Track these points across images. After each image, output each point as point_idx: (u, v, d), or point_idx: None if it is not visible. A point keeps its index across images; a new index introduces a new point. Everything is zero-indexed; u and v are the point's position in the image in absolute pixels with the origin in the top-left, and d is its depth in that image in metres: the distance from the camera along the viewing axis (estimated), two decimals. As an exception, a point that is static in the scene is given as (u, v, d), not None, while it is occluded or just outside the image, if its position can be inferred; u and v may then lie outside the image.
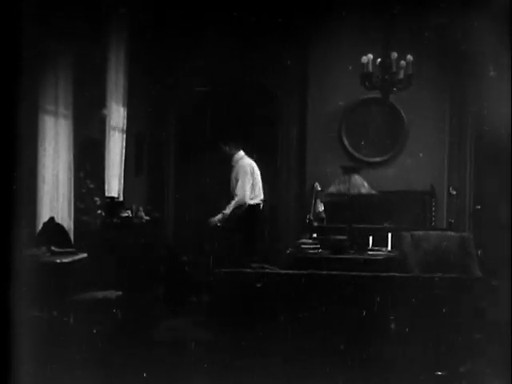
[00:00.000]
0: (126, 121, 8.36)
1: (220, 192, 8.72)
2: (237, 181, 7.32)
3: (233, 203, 7.30)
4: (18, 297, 4.57)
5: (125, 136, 8.31)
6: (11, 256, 4.51)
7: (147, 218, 7.52)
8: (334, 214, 8.25)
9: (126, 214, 7.44)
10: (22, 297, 4.62)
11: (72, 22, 6.82)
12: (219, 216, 7.37)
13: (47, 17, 5.87)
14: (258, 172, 7.47)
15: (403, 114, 8.80)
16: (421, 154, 8.73)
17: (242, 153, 7.47)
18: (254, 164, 7.49)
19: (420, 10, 7.82)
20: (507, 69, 5.51)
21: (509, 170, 5.61)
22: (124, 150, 8.28)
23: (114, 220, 7.39)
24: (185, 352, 5.99)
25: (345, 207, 7.72)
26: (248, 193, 7.31)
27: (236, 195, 7.30)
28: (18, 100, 4.62)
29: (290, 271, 5.90)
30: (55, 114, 7.12)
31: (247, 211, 7.34)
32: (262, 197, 7.48)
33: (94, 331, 5.69)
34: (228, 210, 7.31)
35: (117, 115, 8.22)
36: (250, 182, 7.34)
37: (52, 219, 6.75)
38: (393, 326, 5.12)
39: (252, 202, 7.39)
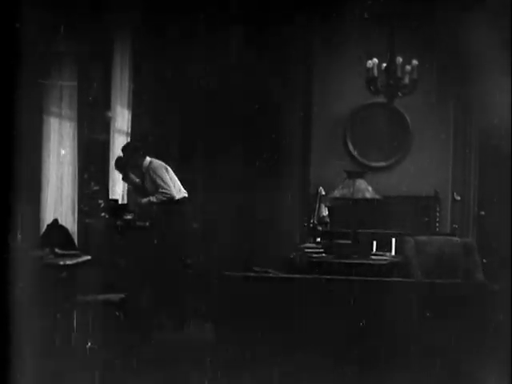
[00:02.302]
0: (130, 123, 8.37)
1: (224, 193, 8.74)
2: (155, 182, 7.34)
3: (160, 195, 7.31)
4: (21, 298, 4.57)
5: (129, 138, 8.31)
6: (14, 257, 4.51)
7: (150, 221, 7.51)
8: (338, 218, 8.24)
9: (130, 217, 7.44)
10: (24, 298, 4.62)
11: (76, 23, 6.83)
12: (146, 199, 7.39)
13: (51, 18, 5.88)
14: (170, 170, 7.50)
15: (408, 119, 8.80)
16: (425, 159, 8.73)
17: (148, 158, 7.49)
18: (164, 164, 7.52)
19: (425, 14, 7.82)
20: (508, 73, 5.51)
21: (509, 174, 5.61)
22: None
23: (118, 222, 7.39)
24: (187, 355, 5.99)
25: (349, 212, 7.71)
26: (173, 188, 7.35)
27: (161, 191, 7.31)
28: (22, 102, 4.63)
29: (294, 275, 5.90)
30: (59, 116, 7.12)
31: (173, 206, 7.37)
32: (184, 192, 7.50)
33: (97, 333, 5.69)
34: (155, 199, 7.32)
35: (121, 118, 8.23)
36: (168, 178, 7.39)
37: (56, 221, 6.75)
38: (396, 330, 5.11)
39: (177, 197, 7.42)
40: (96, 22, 7.16)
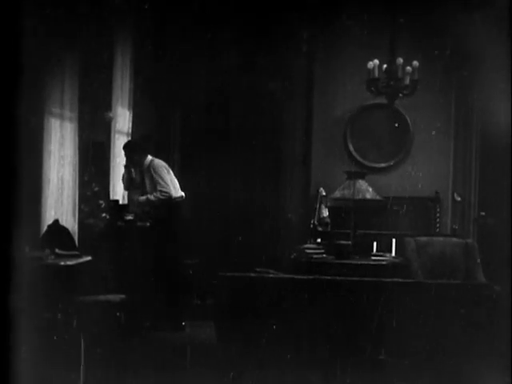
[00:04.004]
0: (131, 124, 8.37)
1: (225, 194, 8.75)
2: (154, 181, 7.35)
3: (158, 193, 7.32)
4: (22, 299, 4.57)
5: (130, 139, 8.31)
6: (15, 258, 4.51)
7: (151, 220, 7.51)
8: (339, 219, 8.25)
9: (130, 217, 7.44)
10: (25, 299, 4.62)
11: (78, 24, 6.84)
12: (143, 197, 7.41)
13: (53, 19, 5.89)
14: (171, 170, 7.52)
15: (408, 120, 8.80)
16: (426, 160, 8.74)
17: (149, 157, 7.51)
18: (165, 163, 7.53)
19: (425, 15, 7.82)
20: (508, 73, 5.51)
21: (509, 174, 5.61)
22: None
23: (119, 223, 7.39)
24: (188, 355, 5.99)
25: (349, 212, 7.72)
26: (172, 188, 7.36)
27: (160, 190, 7.32)
28: (24, 103, 4.63)
29: (294, 276, 5.90)
30: (61, 117, 7.13)
31: (171, 205, 7.38)
32: (182, 193, 7.50)
33: (97, 334, 5.69)
34: (153, 197, 7.33)
35: (122, 118, 8.23)
36: (168, 177, 7.39)
37: (56, 222, 6.76)
38: (396, 331, 5.11)
39: (176, 195, 7.42)
40: (97, 22, 7.17)
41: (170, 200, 7.36)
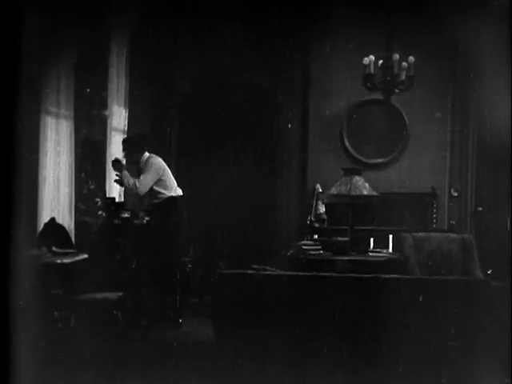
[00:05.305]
0: (126, 122, 8.36)
1: (222, 191, 8.75)
2: (141, 172, 7.24)
3: (135, 184, 7.16)
4: (19, 297, 4.57)
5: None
6: (12, 256, 4.51)
7: (147, 218, 7.50)
8: (336, 215, 8.25)
9: (127, 215, 7.42)
10: (22, 297, 4.62)
11: (74, 23, 6.84)
12: (126, 175, 7.20)
13: (49, 18, 5.88)
14: (167, 169, 7.38)
15: (405, 116, 8.79)
16: (422, 156, 8.74)
17: (147, 153, 7.36)
18: (162, 162, 7.40)
19: (422, 11, 7.83)
20: (507, 71, 5.51)
21: (509, 171, 5.62)
22: (125, 151, 8.26)
23: (115, 221, 7.37)
24: (186, 353, 5.99)
25: (346, 209, 7.72)
26: (148, 187, 7.19)
27: (135, 182, 7.19)
28: (20, 101, 4.62)
29: (291, 273, 5.89)
30: (57, 115, 7.13)
31: (170, 205, 7.31)
32: (179, 191, 7.40)
33: (95, 332, 5.69)
34: (130, 184, 7.18)
35: (118, 116, 8.22)
36: (155, 177, 7.24)
37: (53, 220, 6.75)
38: (394, 327, 5.11)
39: (171, 195, 7.31)
40: (94, 21, 7.16)
41: (134, 194, 7.24)
